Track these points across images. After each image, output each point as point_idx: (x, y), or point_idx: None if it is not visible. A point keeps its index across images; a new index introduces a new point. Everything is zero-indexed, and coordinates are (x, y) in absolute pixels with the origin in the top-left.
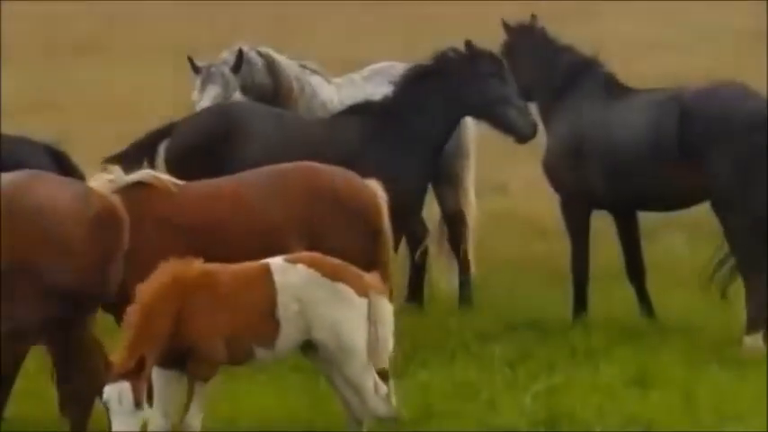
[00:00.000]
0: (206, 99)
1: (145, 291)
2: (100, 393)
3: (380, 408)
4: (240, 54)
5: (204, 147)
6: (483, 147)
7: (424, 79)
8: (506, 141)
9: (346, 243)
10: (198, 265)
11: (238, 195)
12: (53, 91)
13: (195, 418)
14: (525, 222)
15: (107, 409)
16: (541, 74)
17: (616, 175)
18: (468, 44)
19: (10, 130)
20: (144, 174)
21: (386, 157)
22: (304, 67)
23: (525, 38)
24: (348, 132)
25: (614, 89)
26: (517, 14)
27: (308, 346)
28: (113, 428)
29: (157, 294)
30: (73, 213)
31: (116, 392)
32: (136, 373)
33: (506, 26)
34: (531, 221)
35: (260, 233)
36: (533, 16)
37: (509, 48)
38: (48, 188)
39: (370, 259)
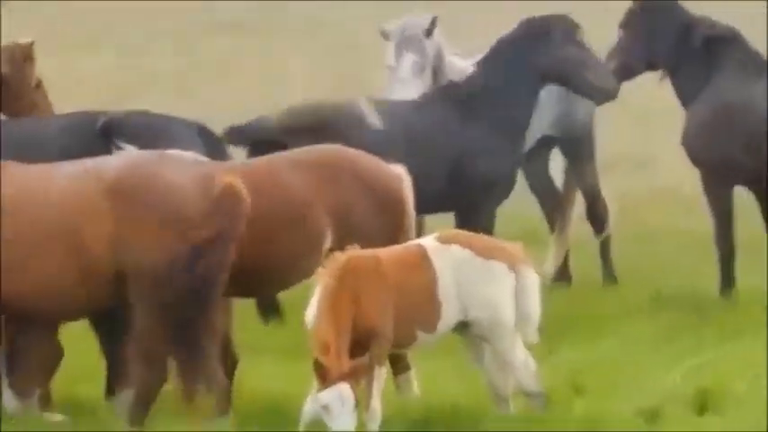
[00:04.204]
0: (404, 69)
1: (325, 285)
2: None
3: (530, 383)
4: (434, 21)
5: None
6: (630, 121)
7: (502, 52)
8: (654, 115)
9: (371, 226)
10: (360, 250)
11: (271, 174)
12: (200, 67)
13: (378, 402)
14: (672, 195)
15: (326, 413)
16: (674, 45)
17: (761, 149)
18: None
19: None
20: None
21: (477, 137)
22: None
23: (655, 9)
24: (437, 115)
25: (757, 63)
26: None
27: (460, 324)
28: (335, 431)
29: (338, 284)
30: (193, 195)
31: (337, 395)
32: (351, 374)
33: None
34: (678, 194)
35: (293, 213)
36: None
37: (636, 18)
38: (170, 169)
39: (393, 243)
